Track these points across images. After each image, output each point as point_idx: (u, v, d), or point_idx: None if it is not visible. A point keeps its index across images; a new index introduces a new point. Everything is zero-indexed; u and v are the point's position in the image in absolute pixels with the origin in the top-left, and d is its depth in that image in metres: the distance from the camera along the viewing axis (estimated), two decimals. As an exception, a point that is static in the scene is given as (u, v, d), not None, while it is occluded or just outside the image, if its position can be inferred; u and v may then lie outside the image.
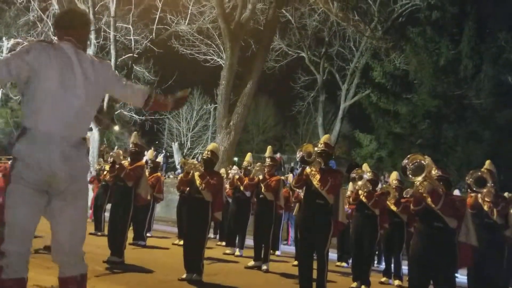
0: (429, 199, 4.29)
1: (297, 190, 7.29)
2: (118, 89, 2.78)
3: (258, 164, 7.61)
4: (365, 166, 7.10)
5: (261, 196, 7.18)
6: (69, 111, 2.47)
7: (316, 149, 5.19)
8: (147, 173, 8.24)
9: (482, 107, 18.32)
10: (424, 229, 4.41)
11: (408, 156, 4.38)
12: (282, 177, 8.63)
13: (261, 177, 7.15)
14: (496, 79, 18.44)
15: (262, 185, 7.11)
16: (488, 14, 19.31)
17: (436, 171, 4.57)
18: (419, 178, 4.24)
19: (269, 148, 7.80)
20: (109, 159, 6.77)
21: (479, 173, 5.04)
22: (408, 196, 6.64)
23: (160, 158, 9.80)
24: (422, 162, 4.23)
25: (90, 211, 10.12)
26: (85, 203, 2.67)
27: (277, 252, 9.13)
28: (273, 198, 7.14)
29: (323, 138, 5.75)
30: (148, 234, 8.96)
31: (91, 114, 2.67)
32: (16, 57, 2.42)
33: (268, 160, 7.39)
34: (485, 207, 4.97)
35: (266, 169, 7.22)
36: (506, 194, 6.76)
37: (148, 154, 9.81)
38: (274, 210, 7.20)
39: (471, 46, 18.60)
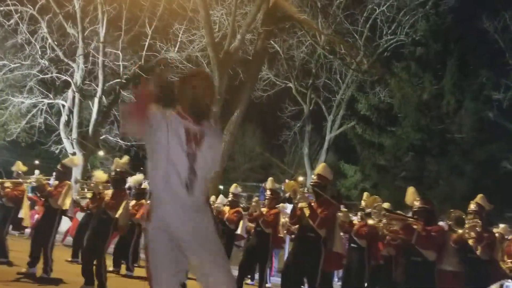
0: (401, 234, 4.32)
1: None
2: None
3: (255, 199, 7.47)
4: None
5: (258, 229, 6.98)
6: None
7: (310, 182, 5.18)
8: (133, 201, 8.18)
9: (464, 141, 18.64)
10: (402, 263, 4.44)
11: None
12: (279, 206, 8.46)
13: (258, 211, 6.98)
14: (477, 115, 18.86)
15: (259, 221, 6.97)
16: (470, 51, 19.89)
17: (417, 202, 4.59)
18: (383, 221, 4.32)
19: (270, 180, 7.42)
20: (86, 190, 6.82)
21: (457, 214, 5.06)
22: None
23: (145, 185, 9.67)
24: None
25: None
26: None
27: (268, 284, 9.02)
28: (270, 231, 6.90)
29: (318, 168, 5.62)
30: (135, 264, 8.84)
31: None
32: None
33: (268, 192, 7.15)
34: (470, 242, 4.94)
35: (266, 202, 7.05)
36: (500, 227, 6.77)
37: (132, 180, 9.61)
38: (270, 243, 6.97)
39: (453, 82, 19.03)
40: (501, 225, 8.32)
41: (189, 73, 2.93)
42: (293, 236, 5.52)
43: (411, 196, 4.70)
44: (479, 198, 5.35)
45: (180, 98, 2.69)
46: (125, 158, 6.71)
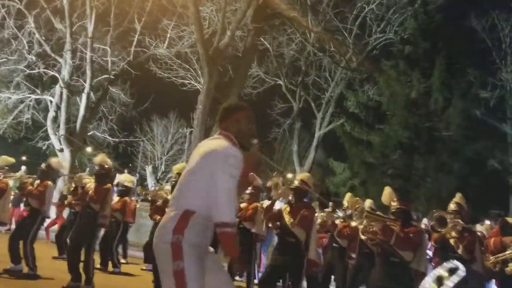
0: (380, 236, 4.35)
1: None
2: None
3: None
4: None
5: (241, 226, 6.97)
6: None
7: (292, 185, 5.23)
8: (116, 197, 8.13)
9: (452, 139, 18.81)
10: (381, 262, 4.47)
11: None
12: (259, 204, 8.53)
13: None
14: (465, 113, 19.03)
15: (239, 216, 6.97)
16: (458, 50, 20.05)
17: (395, 202, 4.61)
18: (364, 222, 4.36)
19: (251, 175, 7.51)
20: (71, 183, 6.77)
21: (440, 214, 5.09)
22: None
23: (132, 183, 9.61)
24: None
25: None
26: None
27: (256, 281, 9.03)
28: (253, 227, 6.94)
29: (304, 176, 5.68)
30: (122, 261, 8.81)
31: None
32: None
33: (250, 187, 7.10)
34: (452, 242, 4.96)
35: (246, 197, 7.09)
36: (478, 225, 6.83)
37: (125, 179, 9.45)
38: (253, 240, 6.99)
39: (441, 81, 19.18)
40: (487, 222, 8.43)
41: (231, 106, 3.10)
42: (278, 230, 5.49)
43: (388, 196, 4.74)
44: (458, 197, 5.34)
45: (226, 128, 2.93)
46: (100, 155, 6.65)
